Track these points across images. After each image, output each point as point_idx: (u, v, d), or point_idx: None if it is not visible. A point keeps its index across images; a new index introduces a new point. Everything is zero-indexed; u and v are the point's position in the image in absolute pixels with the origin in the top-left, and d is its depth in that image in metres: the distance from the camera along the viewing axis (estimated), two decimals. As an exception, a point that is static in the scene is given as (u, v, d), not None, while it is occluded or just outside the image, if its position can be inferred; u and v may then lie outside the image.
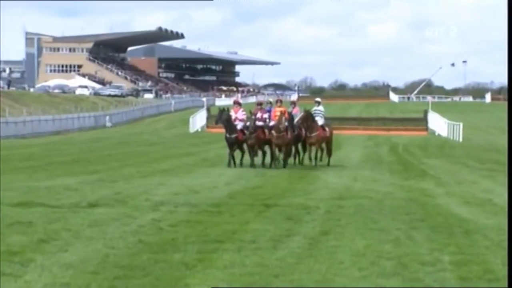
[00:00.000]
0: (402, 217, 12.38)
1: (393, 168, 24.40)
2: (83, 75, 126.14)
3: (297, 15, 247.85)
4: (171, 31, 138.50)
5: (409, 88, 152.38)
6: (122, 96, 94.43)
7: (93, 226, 10.89)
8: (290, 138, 23.19)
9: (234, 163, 23.68)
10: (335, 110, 78.42)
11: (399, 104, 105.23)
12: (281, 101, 24.78)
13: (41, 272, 7.87)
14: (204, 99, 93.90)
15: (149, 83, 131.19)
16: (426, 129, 58.34)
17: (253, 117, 23.47)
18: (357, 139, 47.32)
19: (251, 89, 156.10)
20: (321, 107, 24.64)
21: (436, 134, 55.97)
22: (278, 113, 23.35)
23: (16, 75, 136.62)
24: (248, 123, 23.55)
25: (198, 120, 61.14)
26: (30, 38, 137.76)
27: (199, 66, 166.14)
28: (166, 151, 33.56)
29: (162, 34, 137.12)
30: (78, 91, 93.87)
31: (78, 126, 62.06)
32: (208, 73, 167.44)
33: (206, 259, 8.62)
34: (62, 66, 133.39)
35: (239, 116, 23.94)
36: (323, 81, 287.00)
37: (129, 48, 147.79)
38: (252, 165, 23.28)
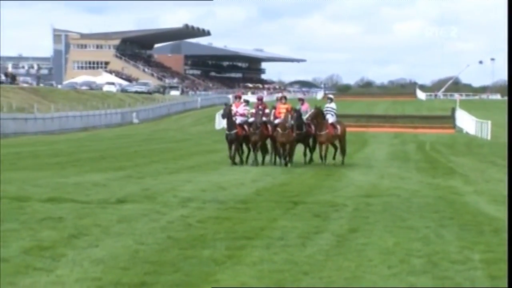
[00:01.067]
0: (430, 215, 12.33)
1: (421, 166, 24.28)
2: (110, 72, 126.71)
3: (323, 12, 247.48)
4: (197, 28, 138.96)
5: (436, 86, 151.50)
6: (148, 93, 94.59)
7: (123, 222, 10.98)
8: (294, 136, 22.83)
9: (241, 160, 23.41)
10: (362, 108, 78.45)
11: (426, 102, 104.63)
12: (285, 98, 24.37)
13: (73, 267, 7.95)
14: (230, 96, 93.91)
15: (176, 80, 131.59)
16: (453, 127, 57.97)
17: (260, 112, 22.96)
18: (383, 136, 47.15)
19: (277, 86, 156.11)
20: (333, 105, 24.11)
21: (464, 132, 55.60)
22: (283, 110, 22.96)
23: (44, 71, 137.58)
24: (250, 118, 23.12)
25: (224, 117, 61.08)
26: (57, 35, 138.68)
27: (225, 63, 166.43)
28: (192, 148, 33.68)
29: (189, 31, 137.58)
30: (105, 88, 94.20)
31: (105, 123, 62.40)
32: (234, 70, 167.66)
33: (235, 256, 8.65)
34: (89, 63, 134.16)
35: (239, 111, 23.51)
36: (350, 79, 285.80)
37: (156, 45, 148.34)
38: (255, 162, 22.98)
